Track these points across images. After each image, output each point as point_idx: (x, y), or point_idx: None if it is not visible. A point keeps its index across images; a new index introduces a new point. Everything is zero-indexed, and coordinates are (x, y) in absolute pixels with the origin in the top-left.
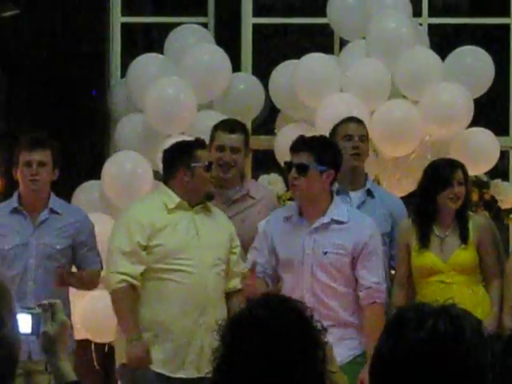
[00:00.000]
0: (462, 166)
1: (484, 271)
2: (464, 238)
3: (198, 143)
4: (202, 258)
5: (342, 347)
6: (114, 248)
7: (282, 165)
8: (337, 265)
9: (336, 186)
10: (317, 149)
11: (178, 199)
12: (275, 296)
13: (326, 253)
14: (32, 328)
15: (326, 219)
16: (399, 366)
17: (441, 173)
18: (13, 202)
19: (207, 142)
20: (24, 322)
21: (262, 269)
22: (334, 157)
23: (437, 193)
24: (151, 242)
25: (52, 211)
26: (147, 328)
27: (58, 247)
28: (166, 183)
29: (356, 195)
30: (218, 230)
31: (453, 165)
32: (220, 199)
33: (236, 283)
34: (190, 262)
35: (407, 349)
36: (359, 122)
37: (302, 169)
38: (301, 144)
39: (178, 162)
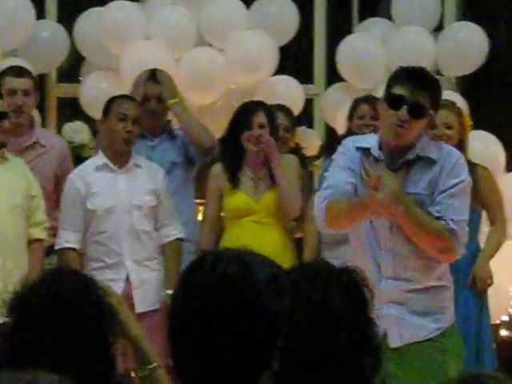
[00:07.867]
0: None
1: None
2: (273, 179)
3: None
4: None
5: None
6: None
7: (89, 113)
8: None
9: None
10: (435, 90)
11: None
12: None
13: None
14: None
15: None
16: (190, 313)
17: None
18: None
19: None
20: None
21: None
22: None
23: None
24: None
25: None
26: None
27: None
28: None
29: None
30: (14, 177)
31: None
32: (12, 147)
33: (33, 233)
34: None
35: (196, 293)
36: None
37: (419, 111)
38: (419, 80)
39: None
